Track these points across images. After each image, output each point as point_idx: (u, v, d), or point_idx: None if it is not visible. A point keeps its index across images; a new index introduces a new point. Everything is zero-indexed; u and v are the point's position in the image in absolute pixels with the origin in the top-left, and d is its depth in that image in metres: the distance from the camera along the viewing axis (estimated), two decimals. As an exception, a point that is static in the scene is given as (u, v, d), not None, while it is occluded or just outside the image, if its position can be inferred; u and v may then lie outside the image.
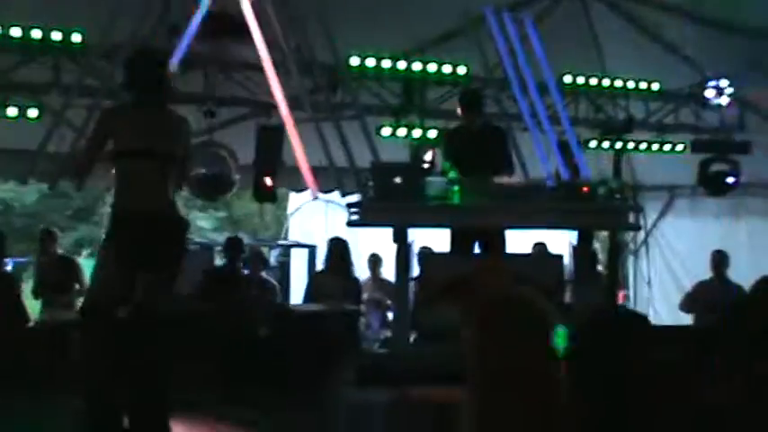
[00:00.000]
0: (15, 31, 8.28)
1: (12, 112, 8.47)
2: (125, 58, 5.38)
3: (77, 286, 8.96)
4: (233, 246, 8.82)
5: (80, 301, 8.86)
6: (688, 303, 9.35)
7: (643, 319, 2.59)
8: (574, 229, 6.94)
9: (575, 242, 7.13)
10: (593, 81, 10.16)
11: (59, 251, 9.50)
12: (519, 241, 8.07)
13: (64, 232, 23.26)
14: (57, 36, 8.37)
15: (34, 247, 10.71)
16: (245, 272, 8.86)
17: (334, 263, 8.78)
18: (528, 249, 8.96)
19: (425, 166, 8.98)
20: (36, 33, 8.33)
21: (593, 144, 10.24)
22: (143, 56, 5.12)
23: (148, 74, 4.81)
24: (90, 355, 4.34)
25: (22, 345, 6.85)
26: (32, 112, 8.54)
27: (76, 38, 8.41)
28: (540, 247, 9.21)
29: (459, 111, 7.62)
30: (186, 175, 5.12)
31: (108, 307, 4.40)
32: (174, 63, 7.97)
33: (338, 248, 8.85)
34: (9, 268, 10.45)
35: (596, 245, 9.71)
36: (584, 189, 6.63)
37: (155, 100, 4.80)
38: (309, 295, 8.72)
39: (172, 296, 4.51)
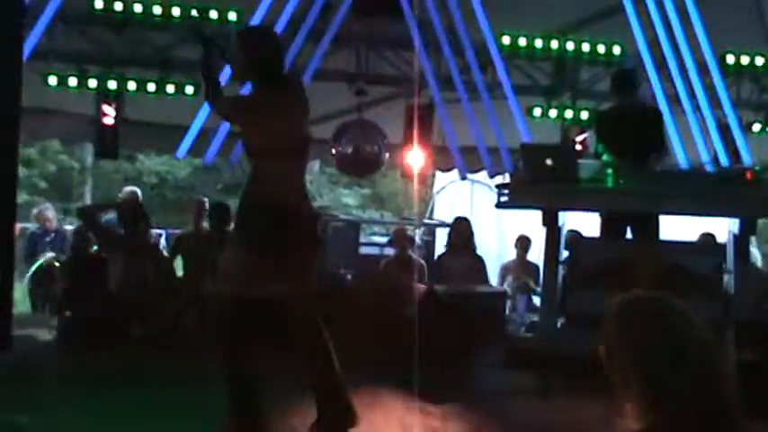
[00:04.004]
0: (175, 11, 8.55)
1: (170, 88, 8.77)
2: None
3: None
4: None
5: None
6: None
7: None
8: (735, 216, 6.62)
9: (735, 231, 6.81)
10: (759, 60, 9.64)
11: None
12: (684, 229, 7.74)
13: (215, 205, 24.04)
14: (213, 15, 8.57)
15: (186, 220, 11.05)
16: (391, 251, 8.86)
17: (458, 243, 8.67)
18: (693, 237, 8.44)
19: (577, 147, 8.83)
20: (194, 12, 8.58)
21: (756, 128, 9.76)
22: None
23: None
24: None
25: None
26: (189, 89, 8.82)
27: (232, 16, 8.60)
28: (707, 237, 8.69)
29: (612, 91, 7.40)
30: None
31: None
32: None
33: (461, 228, 8.74)
34: (162, 239, 10.88)
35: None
36: (748, 175, 6.32)
37: None
38: (435, 277, 8.64)
39: None
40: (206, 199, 9.85)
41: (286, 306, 4.25)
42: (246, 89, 4.53)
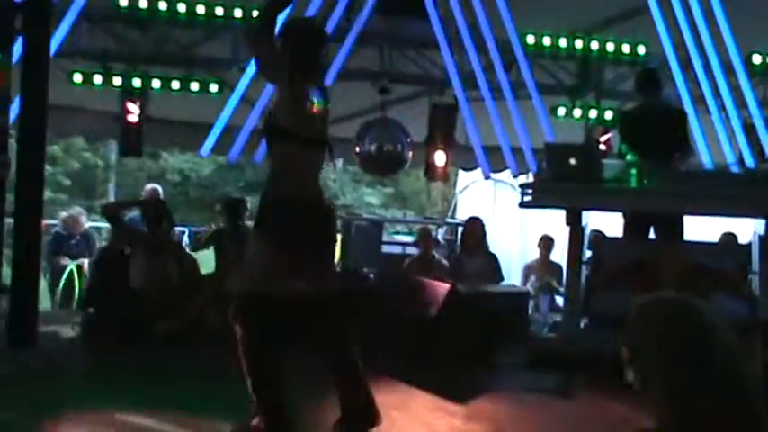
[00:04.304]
0: (200, 9, 8.59)
1: (194, 86, 8.81)
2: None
3: None
4: None
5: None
6: None
7: None
8: (761, 217, 6.57)
9: (761, 232, 6.75)
10: (786, 61, 9.56)
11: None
12: (705, 230, 7.68)
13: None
14: (238, 13, 8.60)
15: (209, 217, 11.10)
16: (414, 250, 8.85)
17: (471, 242, 8.65)
18: (715, 238, 8.40)
19: (601, 147, 8.79)
20: (219, 10, 8.61)
21: (783, 128, 9.67)
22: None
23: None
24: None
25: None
26: (213, 87, 8.86)
27: (256, 14, 8.61)
28: (728, 237, 8.63)
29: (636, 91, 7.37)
30: None
31: None
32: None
33: (473, 228, 8.72)
34: (185, 237, 10.92)
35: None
36: (774, 176, 6.28)
37: None
38: (452, 277, 8.59)
39: None
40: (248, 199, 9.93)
41: (307, 303, 4.24)
42: None
